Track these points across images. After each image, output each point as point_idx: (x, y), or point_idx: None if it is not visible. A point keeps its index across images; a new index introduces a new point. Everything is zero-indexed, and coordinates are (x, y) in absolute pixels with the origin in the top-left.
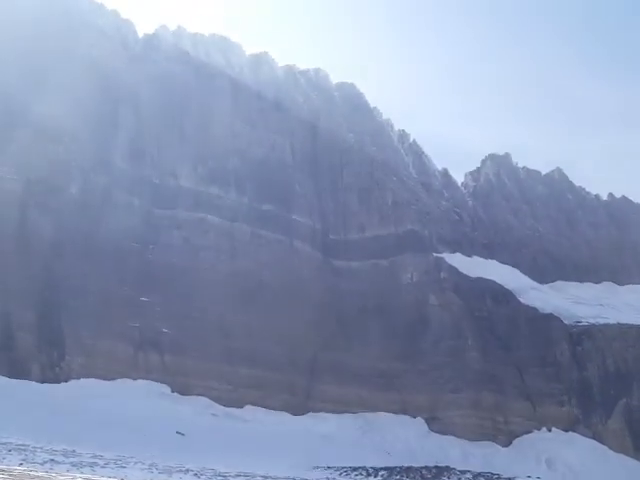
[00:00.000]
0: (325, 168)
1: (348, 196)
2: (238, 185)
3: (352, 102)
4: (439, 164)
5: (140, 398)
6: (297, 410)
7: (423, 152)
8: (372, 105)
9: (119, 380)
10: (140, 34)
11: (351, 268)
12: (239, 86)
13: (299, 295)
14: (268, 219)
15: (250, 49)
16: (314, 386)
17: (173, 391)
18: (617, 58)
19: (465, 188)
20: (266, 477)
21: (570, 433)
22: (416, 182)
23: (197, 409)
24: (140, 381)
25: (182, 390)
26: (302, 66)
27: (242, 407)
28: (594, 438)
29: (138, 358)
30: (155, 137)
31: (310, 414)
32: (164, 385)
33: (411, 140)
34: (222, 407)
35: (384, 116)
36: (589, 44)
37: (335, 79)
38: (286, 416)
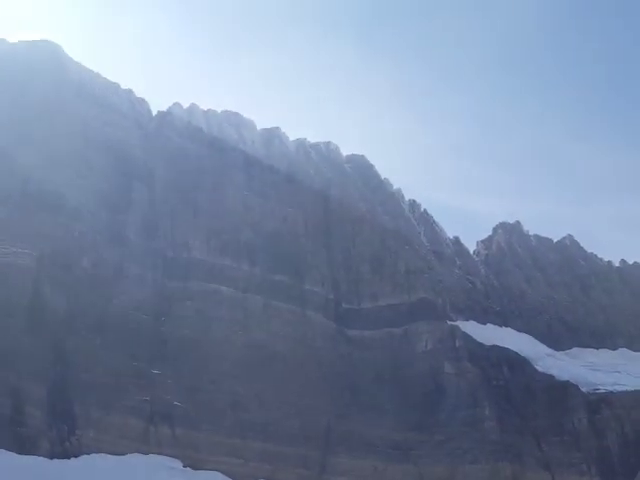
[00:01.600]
0: (337, 238)
1: (360, 265)
2: (250, 256)
3: (363, 173)
4: (450, 233)
5: (151, 473)
6: None
7: (434, 221)
8: (383, 176)
9: (130, 455)
10: (154, 112)
11: (364, 337)
12: (251, 160)
13: (312, 365)
14: (280, 289)
15: (262, 123)
16: (328, 459)
17: (185, 466)
18: (629, 124)
19: (477, 256)
20: None
21: None
22: (428, 251)
23: None
24: (152, 456)
25: (194, 465)
26: (313, 139)
27: None
28: None
29: (149, 432)
30: (169, 211)
31: None
32: (176, 460)
33: (422, 210)
34: None
35: (394, 186)
36: (602, 113)
37: (345, 151)
38: None
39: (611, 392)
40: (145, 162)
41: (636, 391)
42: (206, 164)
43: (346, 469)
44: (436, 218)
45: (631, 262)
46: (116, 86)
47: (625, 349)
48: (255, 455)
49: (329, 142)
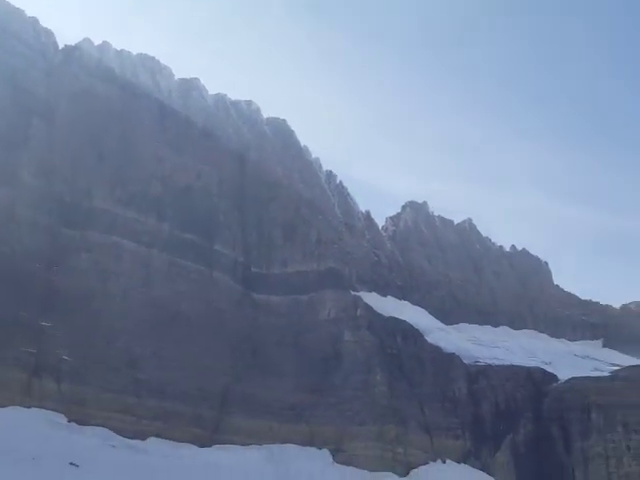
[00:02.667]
0: (251, 201)
1: (273, 231)
2: (158, 211)
3: (283, 138)
4: (362, 207)
5: (32, 426)
6: (204, 442)
7: (348, 193)
8: (302, 143)
9: (11, 407)
10: (61, 45)
11: (271, 302)
12: (166, 110)
13: (215, 327)
14: (188, 248)
15: (179, 74)
16: (223, 418)
17: (70, 421)
18: (539, 119)
19: (385, 231)
20: None
21: (462, 464)
22: (340, 222)
23: (95, 440)
24: (34, 409)
25: (80, 420)
26: (233, 96)
27: (145, 439)
28: (483, 470)
29: (32, 385)
30: (70, 154)
31: (217, 446)
32: (59, 414)
33: (337, 181)
34: (123, 439)
35: (313, 155)
36: (503, 103)
37: (267, 114)
38: (192, 448)
39: (489, 365)
40: (47, 98)
41: (511, 365)
42: (116, 108)
43: (240, 428)
44: (350, 191)
45: (520, 249)
46: (20, 12)
47: (506, 327)
48: (148, 413)
49: (250, 101)
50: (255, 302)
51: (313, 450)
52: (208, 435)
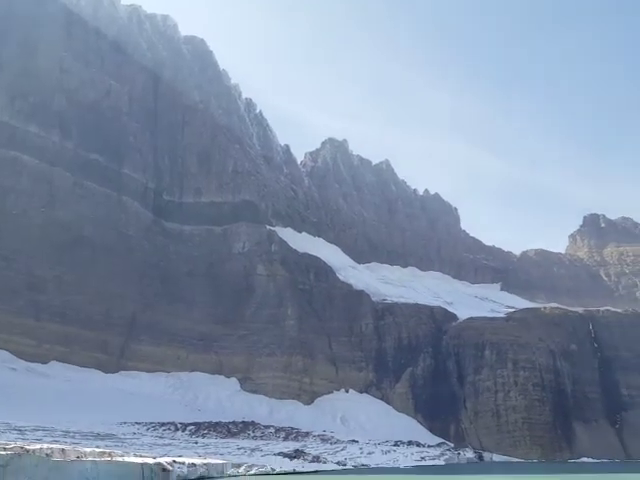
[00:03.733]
0: (165, 124)
1: (187, 157)
2: (63, 127)
3: (201, 59)
4: (282, 140)
5: None
6: (109, 368)
7: (268, 125)
8: (221, 67)
9: None
10: None
11: (183, 231)
12: (74, 18)
13: (123, 253)
14: (95, 169)
15: None
16: (129, 345)
17: None
18: (453, 67)
19: (303, 167)
20: (67, 432)
21: (364, 395)
22: (258, 154)
23: None
24: None
25: None
26: (149, 9)
27: (46, 363)
28: (383, 399)
29: None
30: None
31: (122, 372)
32: None
33: (257, 111)
34: (23, 362)
35: (232, 81)
36: (428, 51)
37: (184, 31)
38: (96, 373)
39: (396, 303)
40: None
41: (416, 304)
42: (17, 10)
43: (147, 355)
44: (270, 123)
45: (432, 193)
46: None
47: (414, 268)
48: (49, 337)
49: (167, 16)
50: (166, 230)
51: (222, 378)
52: (114, 361)
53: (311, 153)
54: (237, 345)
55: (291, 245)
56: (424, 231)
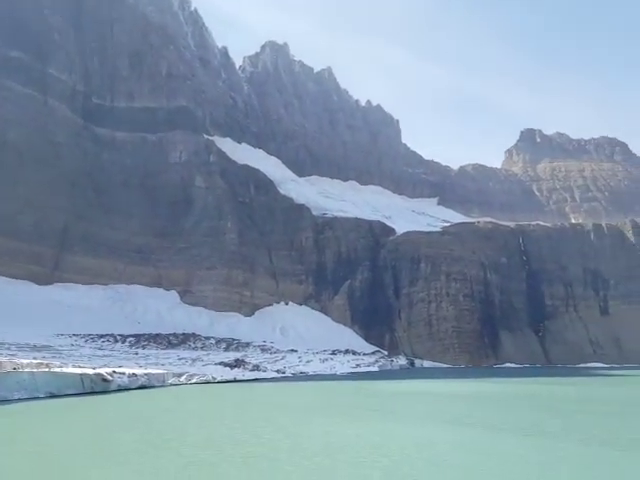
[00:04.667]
0: (91, 21)
1: (117, 58)
2: None
3: None
4: (219, 42)
5: None
6: (43, 280)
7: (204, 24)
8: None
9: None
10: None
11: (115, 138)
12: None
13: (51, 160)
14: (17, 69)
15: None
16: (64, 257)
17: None
18: None
19: (242, 72)
20: (2, 344)
21: (303, 306)
22: (194, 56)
23: None
24: None
25: None
26: None
27: None
28: (322, 311)
29: None
30: None
31: (57, 284)
32: None
33: (192, 8)
34: None
35: None
36: None
37: None
38: (30, 285)
39: (336, 217)
40: None
41: (355, 218)
42: None
43: (83, 267)
44: (206, 22)
45: (375, 104)
46: None
47: (354, 182)
48: None
49: None
50: (97, 137)
51: (161, 291)
52: (47, 273)
53: (250, 57)
54: (176, 258)
55: (230, 156)
56: (365, 144)
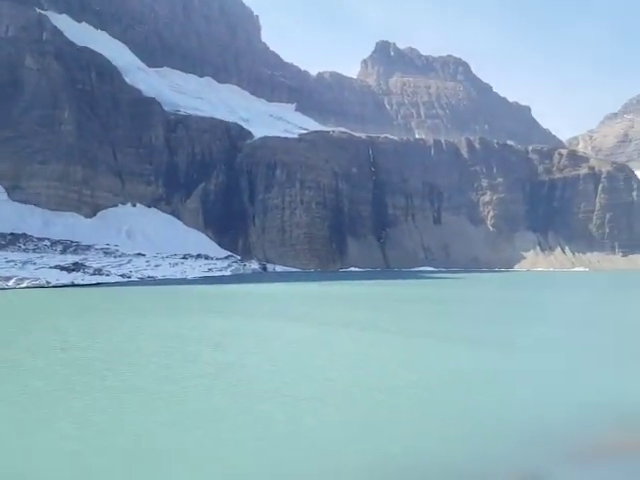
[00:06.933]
0: None
1: None
2: None
3: None
4: None
5: None
6: None
7: None
8: None
9: None
10: None
11: None
12: None
13: None
14: None
15: None
16: None
17: None
18: None
19: None
20: None
21: (152, 209)
22: None
23: None
24: None
25: None
26: None
27: None
28: (173, 214)
29: None
30: None
31: None
32: None
33: None
34: None
35: None
36: None
37: None
38: None
39: (190, 115)
40: None
41: (212, 118)
42: None
43: None
44: None
45: None
46: None
47: (211, 79)
48: None
49: None
50: None
51: None
52: None
53: None
54: (2, 149)
55: (67, 36)
56: (223, 38)
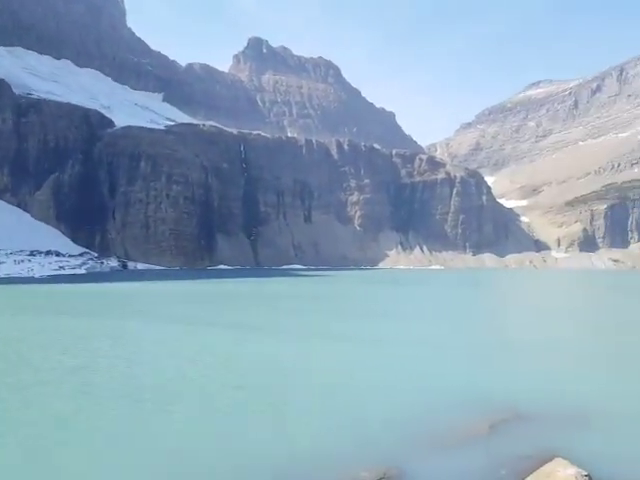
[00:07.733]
0: None
1: None
2: None
3: None
4: None
5: None
6: None
7: None
8: None
9: None
10: None
11: None
12: None
13: None
14: None
15: None
16: None
17: None
18: None
19: None
20: None
21: None
22: None
23: None
24: None
25: None
26: None
27: None
28: (20, 206)
29: None
30: None
31: None
32: None
33: None
34: None
35: None
36: None
37: None
38: None
39: (43, 99)
40: None
41: (68, 103)
42: None
43: None
44: None
45: None
46: None
47: (69, 62)
48: None
49: None
50: None
51: None
52: None
53: None
54: None
55: None
56: (84, 19)
